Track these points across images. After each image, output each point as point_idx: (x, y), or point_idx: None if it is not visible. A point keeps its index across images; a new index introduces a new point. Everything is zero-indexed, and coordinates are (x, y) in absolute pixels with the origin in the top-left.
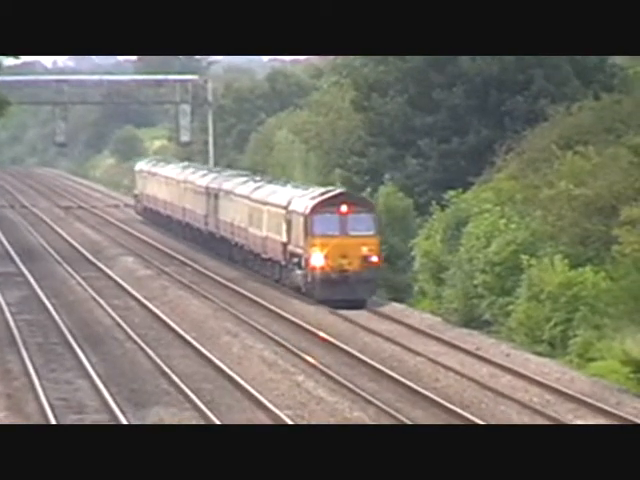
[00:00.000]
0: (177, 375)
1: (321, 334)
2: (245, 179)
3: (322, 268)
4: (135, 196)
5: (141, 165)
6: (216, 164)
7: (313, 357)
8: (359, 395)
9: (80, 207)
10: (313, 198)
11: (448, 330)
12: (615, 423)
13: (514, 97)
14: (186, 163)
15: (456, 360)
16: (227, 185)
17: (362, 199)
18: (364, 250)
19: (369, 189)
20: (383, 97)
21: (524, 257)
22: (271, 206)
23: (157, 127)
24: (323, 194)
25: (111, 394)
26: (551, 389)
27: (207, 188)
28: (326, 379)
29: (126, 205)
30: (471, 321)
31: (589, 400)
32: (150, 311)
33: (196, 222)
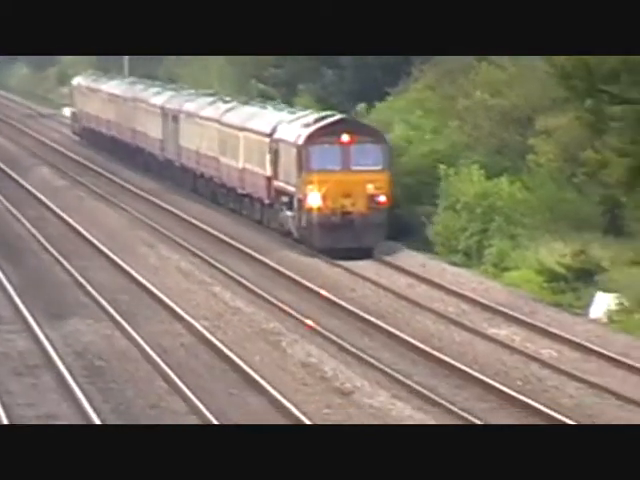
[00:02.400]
0: (93, 286)
1: (238, 246)
2: (212, 99)
3: (320, 210)
4: (72, 114)
5: (79, 80)
6: (131, 74)
7: (230, 269)
8: (276, 306)
9: None
10: (307, 125)
11: None
12: (528, 331)
13: None
14: (133, 78)
15: (373, 270)
16: (189, 106)
17: (368, 127)
18: (370, 188)
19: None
20: None
21: (442, 167)
22: (250, 132)
23: None
24: (319, 120)
25: (26, 305)
26: (467, 299)
27: (163, 108)
28: (243, 290)
29: (41, 115)
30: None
31: (504, 309)
32: (66, 222)
33: (149, 147)
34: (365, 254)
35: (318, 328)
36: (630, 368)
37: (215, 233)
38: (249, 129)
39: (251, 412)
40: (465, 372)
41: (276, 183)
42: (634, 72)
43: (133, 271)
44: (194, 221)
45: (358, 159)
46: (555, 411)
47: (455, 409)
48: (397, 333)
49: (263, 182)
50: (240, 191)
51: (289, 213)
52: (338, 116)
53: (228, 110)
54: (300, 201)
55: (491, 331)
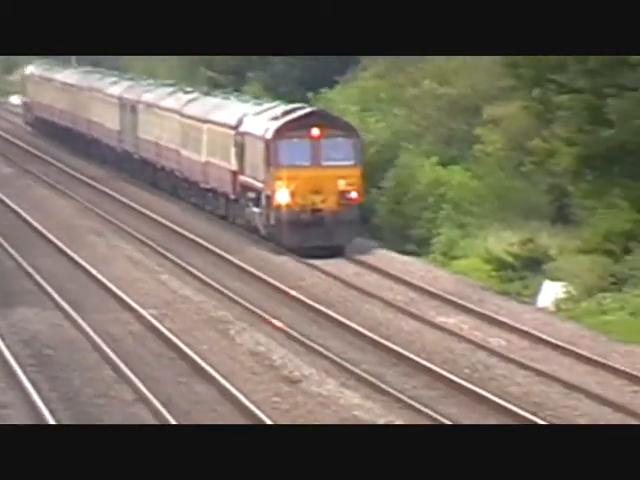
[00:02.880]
0: (41, 275)
1: (187, 234)
2: (172, 89)
3: (289, 207)
4: (24, 104)
5: (32, 69)
6: (78, 63)
7: (179, 258)
8: (224, 294)
9: None
10: (275, 118)
11: None
12: (477, 319)
13: None
14: (89, 67)
15: (322, 259)
16: (148, 96)
17: (339, 120)
18: (342, 184)
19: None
20: None
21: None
22: (214, 125)
23: None
24: (287, 113)
25: None
26: (415, 287)
27: (121, 98)
28: (192, 278)
29: None
30: None
31: (452, 298)
32: (13, 210)
33: (106, 138)
34: (336, 252)
35: (267, 316)
36: (577, 356)
37: (162, 220)
38: (213, 121)
39: (200, 401)
40: (413, 360)
41: (242, 178)
42: (582, 62)
43: (82, 260)
44: (142, 209)
45: (329, 154)
46: (503, 399)
47: (403, 397)
48: (346, 322)
49: (228, 177)
50: (203, 185)
51: (256, 210)
52: (308, 109)
53: (190, 101)
54: (268, 198)
55: (439, 319)
